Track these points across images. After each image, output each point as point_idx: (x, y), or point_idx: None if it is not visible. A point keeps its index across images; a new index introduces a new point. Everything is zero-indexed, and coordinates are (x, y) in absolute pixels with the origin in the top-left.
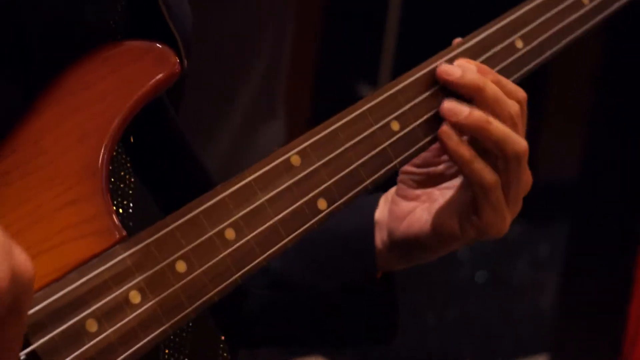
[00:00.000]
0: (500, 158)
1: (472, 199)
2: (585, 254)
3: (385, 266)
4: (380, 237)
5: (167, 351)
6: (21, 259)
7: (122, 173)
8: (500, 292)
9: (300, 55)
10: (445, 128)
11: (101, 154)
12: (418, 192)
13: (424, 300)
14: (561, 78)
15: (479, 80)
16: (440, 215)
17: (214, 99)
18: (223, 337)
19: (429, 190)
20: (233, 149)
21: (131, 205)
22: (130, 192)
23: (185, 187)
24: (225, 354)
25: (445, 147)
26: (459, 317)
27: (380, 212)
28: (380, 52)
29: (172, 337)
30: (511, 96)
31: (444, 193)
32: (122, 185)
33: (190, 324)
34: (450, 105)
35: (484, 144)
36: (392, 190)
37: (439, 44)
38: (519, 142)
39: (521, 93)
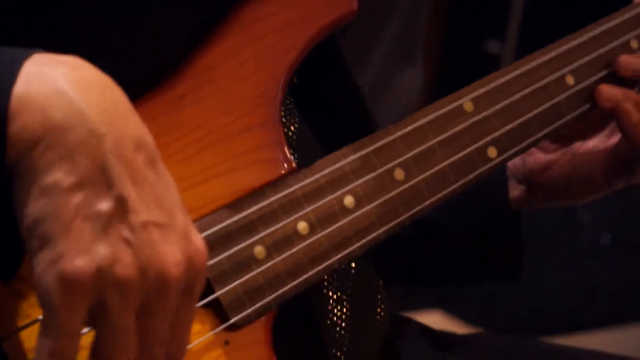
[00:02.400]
0: None
1: (627, 161)
2: None
3: (516, 209)
4: (514, 184)
5: (330, 292)
6: (197, 244)
7: (287, 110)
8: (625, 255)
9: (436, 6)
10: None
11: (276, 84)
12: (556, 144)
13: (545, 262)
14: None
15: None
16: (587, 171)
17: (356, 41)
18: (381, 282)
19: (568, 143)
20: (371, 91)
21: (294, 141)
22: (293, 127)
23: (350, 127)
24: (383, 299)
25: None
26: (581, 280)
27: (512, 160)
28: (508, 7)
29: (335, 276)
30: None
31: (584, 147)
32: (284, 120)
33: (353, 265)
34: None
35: None
36: None
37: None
38: None
39: None
